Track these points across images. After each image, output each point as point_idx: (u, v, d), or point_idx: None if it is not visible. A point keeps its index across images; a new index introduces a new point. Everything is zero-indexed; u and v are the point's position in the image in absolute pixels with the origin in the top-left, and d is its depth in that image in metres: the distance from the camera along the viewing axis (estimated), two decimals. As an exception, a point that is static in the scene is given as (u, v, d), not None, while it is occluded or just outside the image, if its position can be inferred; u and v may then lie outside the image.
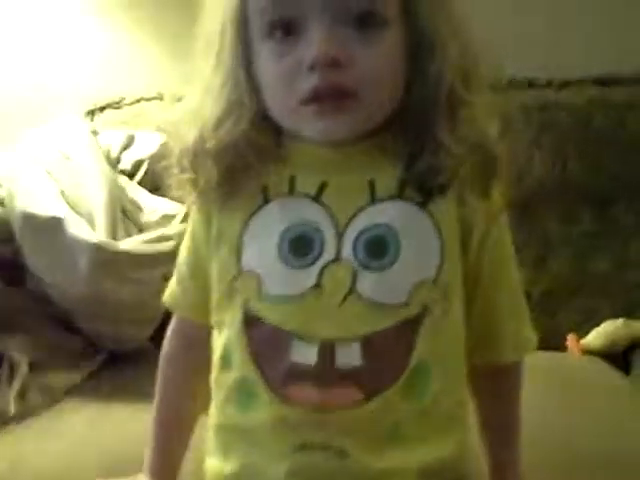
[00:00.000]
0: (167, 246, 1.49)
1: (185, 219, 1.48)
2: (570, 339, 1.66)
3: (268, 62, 0.79)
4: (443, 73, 0.77)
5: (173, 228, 1.55)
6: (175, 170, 0.84)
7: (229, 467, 0.80)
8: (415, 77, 0.79)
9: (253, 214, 0.81)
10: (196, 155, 0.82)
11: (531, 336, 0.87)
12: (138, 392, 1.21)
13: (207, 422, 0.85)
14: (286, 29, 0.77)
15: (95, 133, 1.72)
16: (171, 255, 0.95)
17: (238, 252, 0.81)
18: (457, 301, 0.80)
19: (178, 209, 1.57)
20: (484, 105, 0.80)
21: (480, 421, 0.89)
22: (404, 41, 0.78)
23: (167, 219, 1.58)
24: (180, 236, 0.94)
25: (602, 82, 1.82)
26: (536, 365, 0.91)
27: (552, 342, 1.56)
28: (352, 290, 0.76)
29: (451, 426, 0.80)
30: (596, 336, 1.64)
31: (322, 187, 0.79)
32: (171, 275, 0.94)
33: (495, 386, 0.88)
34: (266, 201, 0.81)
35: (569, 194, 1.75)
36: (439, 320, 0.77)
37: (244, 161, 0.80)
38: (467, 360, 0.83)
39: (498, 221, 0.83)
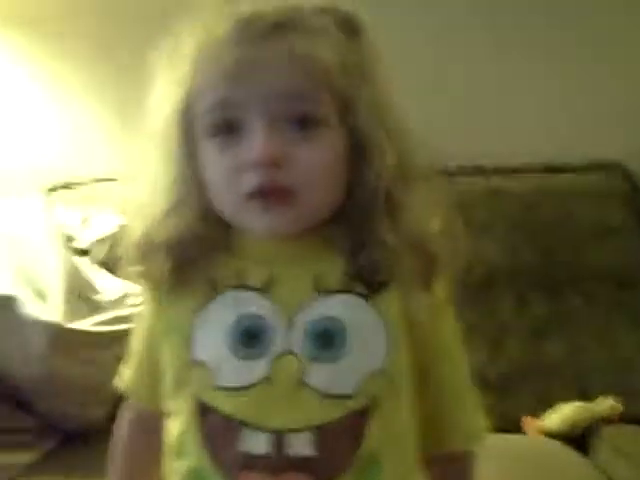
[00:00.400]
0: (122, 327, 1.49)
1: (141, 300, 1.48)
2: (526, 421, 1.67)
3: (212, 160, 0.80)
4: (380, 177, 0.79)
5: (128, 309, 1.55)
6: (125, 262, 0.85)
7: None
8: (355, 177, 0.81)
9: (203, 306, 0.82)
10: (144, 248, 0.83)
11: (482, 425, 0.87)
12: (92, 472, 1.18)
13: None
14: (229, 128, 0.79)
15: (52, 211, 1.73)
16: (126, 336, 0.94)
17: (188, 343, 0.81)
18: (406, 391, 0.81)
19: (134, 290, 1.57)
20: (423, 202, 0.81)
21: None
22: (344, 142, 0.80)
23: (123, 300, 1.58)
24: (135, 317, 0.94)
25: (549, 169, 1.86)
26: (494, 447, 0.91)
27: (508, 424, 1.57)
28: (301, 382, 0.77)
29: None
30: (554, 418, 1.64)
31: (270, 280, 0.81)
32: (125, 357, 0.93)
33: (447, 474, 0.88)
34: (215, 293, 0.82)
35: (520, 278, 1.78)
36: (388, 411, 0.78)
37: (192, 254, 0.82)
38: (419, 448, 0.83)
39: (443, 313, 0.84)
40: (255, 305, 0.80)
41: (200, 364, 0.80)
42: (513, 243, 1.76)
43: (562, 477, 1.40)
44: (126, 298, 1.58)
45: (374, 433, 0.77)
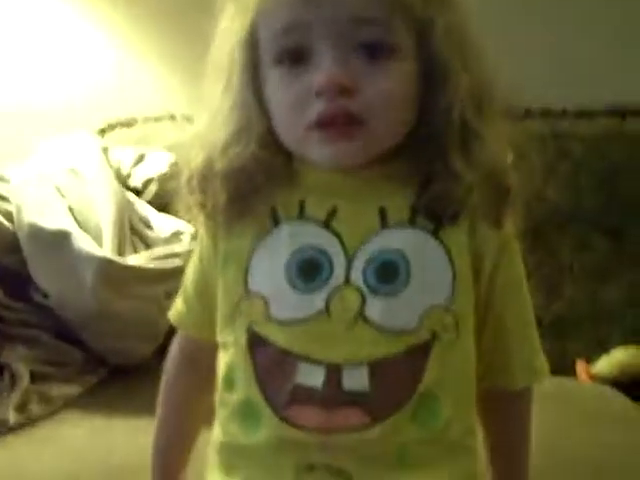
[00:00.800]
0: (174, 263, 1.49)
1: (194, 237, 1.48)
2: (579, 365, 1.65)
3: (277, 88, 0.78)
4: (454, 104, 0.77)
5: (181, 246, 1.55)
6: (183, 192, 0.84)
7: None
8: (427, 106, 0.78)
9: (262, 236, 0.80)
10: (204, 177, 0.81)
11: (543, 362, 0.86)
12: (139, 406, 1.20)
13: (210, 438, 0.85)
14: (295, 56, 0.76)
15: (106, 150, 1.73)
16: (178, 273, 0.94)
17: (245, 274, 0.80)
18: (468, 328, 0.79)
19: (187, 227, 1.57)
20: (497, 134, 0.79)
21: (488, 446, 0.87)
22: (417, 70, 0.77)
23: (175, 237, 1.59)
24: (188, 254, 0.93)
25: (616, 113, 1.82)
26: (544, 390, 0.89)
27: (561, 367, 1.55)
28: (360, 315, 0.76)
29: (460, 454, 0.79)
30: (606, 363, 1.62)
31: (332, 212, 0.79)
32: (175, 293, 0.93)
33: (505, 412, 0.87)
34: (275, 224, 0.80)
35: (582, 222, 1.76)
36: (449, 347, 0.76)
37: (253, 183, 0.80)
38: (477, 386, 0.81)
39: (510, 249, 0.82)
40: (316, 237, 0.78)
41: (256, 295, 0.79)
42: (577, 186, 1.73)
43: (608, 421, 1.38)
44: (179, 235, 1.59)
45: (434, 369, 0.76)
